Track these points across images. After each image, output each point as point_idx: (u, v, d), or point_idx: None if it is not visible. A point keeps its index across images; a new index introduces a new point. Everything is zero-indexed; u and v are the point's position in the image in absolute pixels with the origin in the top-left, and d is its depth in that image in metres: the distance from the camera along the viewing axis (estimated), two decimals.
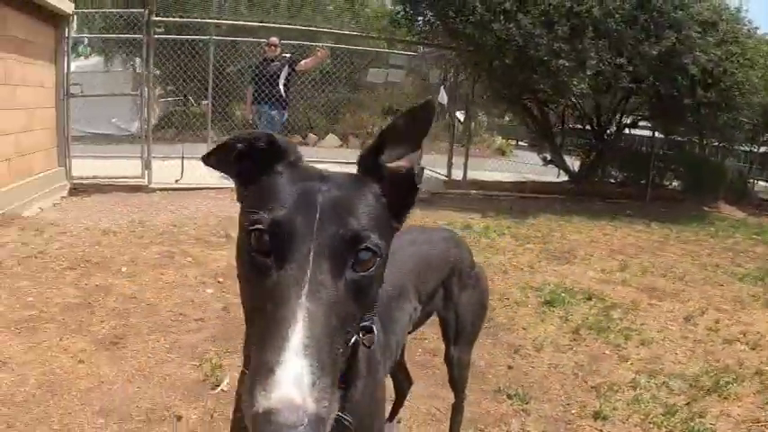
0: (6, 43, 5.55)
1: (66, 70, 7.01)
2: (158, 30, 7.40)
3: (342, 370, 0.81)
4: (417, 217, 6.26)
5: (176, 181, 7.77)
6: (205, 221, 5.95)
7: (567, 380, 3.00)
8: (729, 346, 3.55)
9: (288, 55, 7.74)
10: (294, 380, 0.63)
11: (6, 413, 2.32)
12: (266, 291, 0.75)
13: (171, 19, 8.29)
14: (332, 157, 8.24)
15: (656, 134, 8.93)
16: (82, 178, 7.46)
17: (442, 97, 9.26)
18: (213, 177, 7.38)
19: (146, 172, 7.60)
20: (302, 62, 7.76)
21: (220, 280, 4.14)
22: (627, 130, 9.15)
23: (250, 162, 0.88)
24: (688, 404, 2.77)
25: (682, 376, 3.06)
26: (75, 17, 7.41)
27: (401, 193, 0.90)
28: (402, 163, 0.90)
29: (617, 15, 6.04)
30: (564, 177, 8.93)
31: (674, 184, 9.62)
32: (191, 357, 2.94)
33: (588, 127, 8.64)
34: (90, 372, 2.73)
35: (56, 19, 6.66)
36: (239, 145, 0.88)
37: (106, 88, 12.37)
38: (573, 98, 7.66)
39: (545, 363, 3.17)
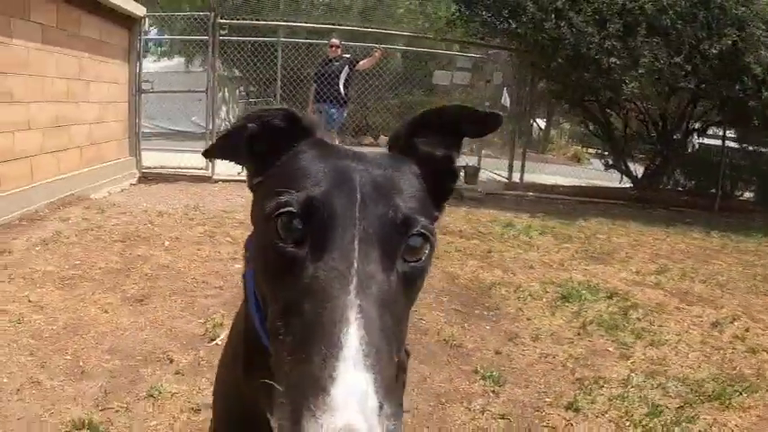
0: (81, 43, 6.14)
1: (138, 68, 7.62)
2: (223, 32, 7.87)
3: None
4: (460, 214, 6.31)
5: (238, 173, 8.19)
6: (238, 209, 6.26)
7: (554, 370, 2.94)
8: (753, 355, 3.31)
9: (348, 55, 7.99)
10: (358, 402, 0.50)
11: (33, 344, 2.74)
12: (301, 288, 0.61)
13: (235, 21, 8.76)
14: None
15: (728, 141, 8.40)
16: (150, 168, 8.05)
17: (505, 99, 9.21)
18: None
19: (209, 164, 8.07)
20: (360, 62, 7.99)
21: None
22: (696, 137, 8.67)
23: (265, 145, 0.77)
24: (680, 408, 2.62)
25: (684, 380, 2.90)
26: (148, 20, 7.98)
27: (438, 179, 0.79)
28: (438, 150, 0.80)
29: (671, 12, 5.77)
30: (627, 183, 8.59)
31: (747, 194, 8.99)
32: (199, 316, 3.23)
33: (654, 132, 8.27)
34: (110, 320, 3.09)
35: (128, 21, 7.27)
36: (251, 125, 0.76)
37: (185, 87, 13.28)
38: (635, 101, 7.39)
39: (537, 352, 3.12)
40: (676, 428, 2.45)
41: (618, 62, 5.86)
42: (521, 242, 5.44)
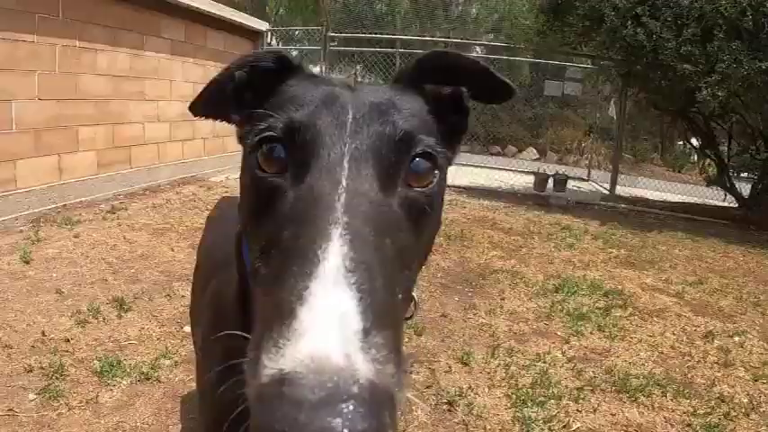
0: (206, 53, 7.47)
1: None
2: (333, 44, 8.84)
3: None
4: (523, 216, 6.46)
5: None
6: None
7: (480, 336, 3.21)
8: (722, 368, 3.07)
9: None
10: (331, 324, 0.38)
11: (114, 261, 3.97)
12: (281, 217, 0.54)
13: (343, 34, 9.70)
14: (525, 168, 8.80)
15: None
16: None
17: (611, 111, 9.03)
18: None
19: None
20: None
21: None
22: None
23: (253, 94, 0.70)
24: (579, 389, 2.68)
25: (612, 371, 2.90)
26: (270, 33, 9.19)
27: (448, 118, 0.72)
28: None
29: (749, 14, 5.31)
30: (733, 202, 7.85)
31: None
32: None
33: (764, 147, 7.48)
34: (173, 257, 4.15)
35: (253, 35, 8.52)
36: (238, 72, 0.70)
37: None
38: (739, 112, 6.83)
39: (479, 321, 3.39)
40: (551, 401, 2.56)
41: (692, 68, 5.57)
42: (563, 243, 5.47)
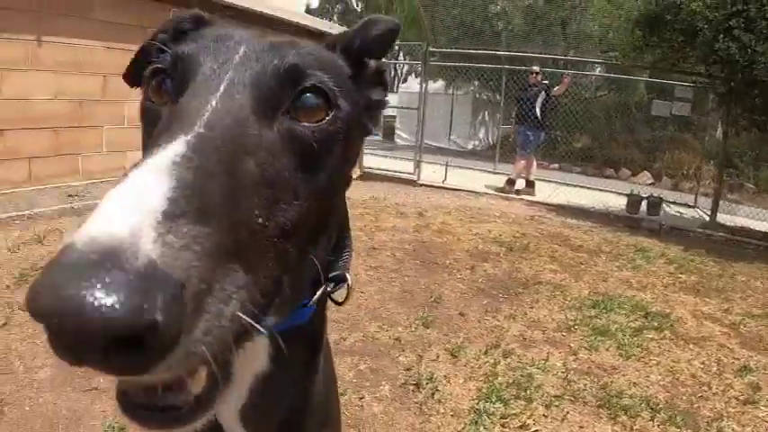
0: None
1: None
2: (433, 58, 9.14)
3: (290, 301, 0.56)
4: (602, 236, 6.30)
5: (442, 181, 9.33)
6: (420, 205, 7.33)
7: (485, 337, 3.34)
8: (719, 394, 2.91)
9: (546, 82, 8.45)
10: (130, 201, 0.36)
11: None
12: (148, 135, 0.55)
13: (443, 50, 9.95)
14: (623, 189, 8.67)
15: None
16: (370, 168, 9.78)
17: (719, 131, 8.47)
18: (474, 183, 8.78)
19: (416, 170, 9.41)
20: (555, 89, 8.40)
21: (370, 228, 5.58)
22: None
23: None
24: (558, 398, 2.72)
25: (612, 388, 2.87)
26: None
27: (368, 90, 0.73)
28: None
29: None
30: None
31: None
32: None
33: None
34: None
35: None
36: (162, 34, 0.68)
37: (447, 109, 15.04)
38: None
39: (495, 325, 3.54)
40: (519, 401, 2.64)
41: None
42: (629, 264, 5.26)
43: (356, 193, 7.89)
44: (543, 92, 8.11)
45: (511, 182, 8.64)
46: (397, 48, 11.98)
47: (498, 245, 5.53)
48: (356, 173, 9.61)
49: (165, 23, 0.71)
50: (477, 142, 16.44)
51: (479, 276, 4.50)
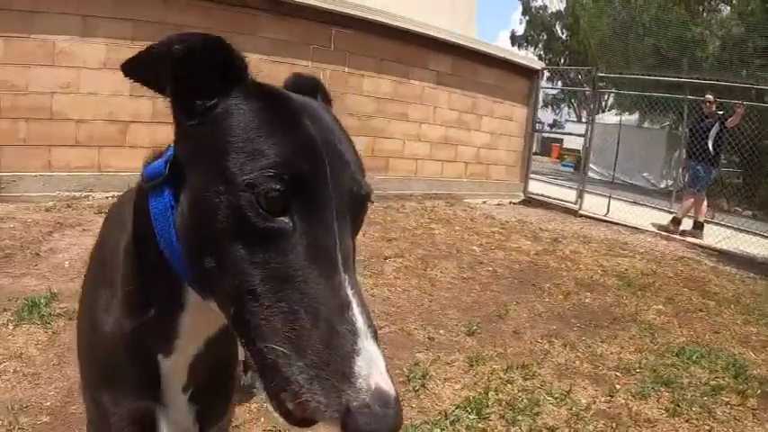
0: (475, 86, 8.30)
1: (534, 112, 9.27)
2: (601, 84, 8.59)
3: None
4: (763, 289, 5.39)
5: (604, 214, 8.75)
6: (563, 232, 7.01)
7: (522, 356, 3.19)
8: None
9: (721, 112, 7.44)
10: (376, 366, 0.59)
11: None
12: (292, 263, 0.63)
13: (614, 75, 9.17)
14: None
15: None
16: (534, 194, 9.56)
17: None
18: (640, 219, 8.13)
19: (579, 200, 8.97)
20: (729, 120, 7.33)
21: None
22: None
23: (189, 75, 0.69)
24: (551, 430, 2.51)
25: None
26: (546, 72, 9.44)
27: None
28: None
29: None
30: None
31: None
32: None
33: None
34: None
35: (528, 72, 8.97)
36: (177, 46, 0.67)
37: (640, 144, 13.91)
38: None
39: (545, 349, 3.34)
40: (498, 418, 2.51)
41: None
42: (762, 320, 4.43)
43: (503, 215, 7.84)
44: (717, 123, 7.16)
45: (676, 221, 7.72)
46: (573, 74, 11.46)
47: (618, 278, 5.07)
48: (519, 197, 9.49)
49: (180, 36, 0.69)
50: (671, 181, 14.81)
51: (570, 304, 4.22)
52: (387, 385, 0.58)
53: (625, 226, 8.09)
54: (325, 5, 6.59)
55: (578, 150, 17.21)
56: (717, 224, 8.62)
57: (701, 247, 7.19)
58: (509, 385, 2.82)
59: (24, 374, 2.44)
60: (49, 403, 2.25)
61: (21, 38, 5.22)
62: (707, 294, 4.98)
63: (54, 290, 3.29)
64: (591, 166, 15.44)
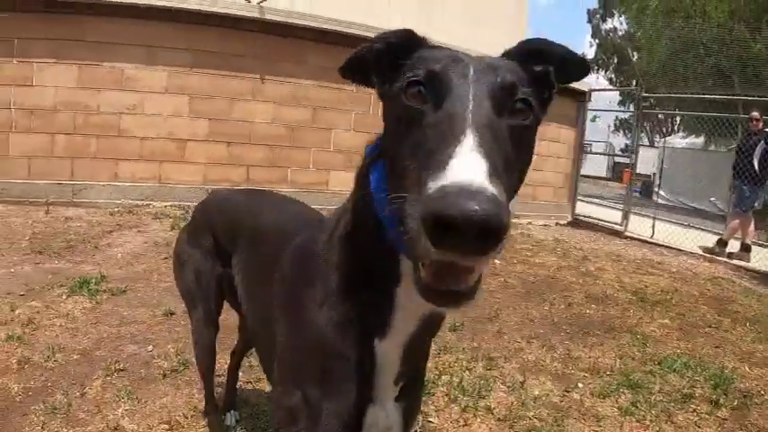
0: None
1: (582, 133, 9.24)
2: (644, 104, 8.45)
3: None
4: None
5: (650, 236, 8.56)
6: (598, 252, 7.02)
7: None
8: None
9: (767, 130, 7.17)
10: (470, 166, 0.60)
11: None
12: (425, 130, 0.73)
13: (657, 94, 8.95)
14: None
15: None
16: (580, 215, 9.50)
17: None
18: (687, 242, 7.95)
19: (624, 221, 8.83)
20: None
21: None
22: None
23: (389, 62, 0.88)
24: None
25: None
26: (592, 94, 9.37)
27: (541, 86, 0.91)
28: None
29: None
30: None
31: None
32: None
33: None
34: None
35: (575, 94, 9.00)
36: (377, 44, 0.89)
37: (703, 167, 13.35)
38: None
39: (528, 359, 3.51)
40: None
41: None
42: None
43: (543, 234, 7.91)
44: (763, 141, 6.91)
45: (722, 243, 7.44)
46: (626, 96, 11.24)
47: (632, 294, 5.08)
48: (566, 218, 9.47)
49: (379, 36, 0.89)
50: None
51: (570, 314, 4.32)
52: (475, 180, 0.58)
53: (669, 248, 7.90)
54: (368, 34, 7.01)
55: (649, 175, 16.68)
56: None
57: (745, 269, 6.91)
58: (467, 372, 3.02)
59: (67, 328, 3.05)
60: (81, 347, 2.83)
61: (93, 65, 6.08)
62: (724, 312, 4.88)
63: (104, 273, 3.92)
64: (657, 190, 14.96)
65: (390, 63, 0.87)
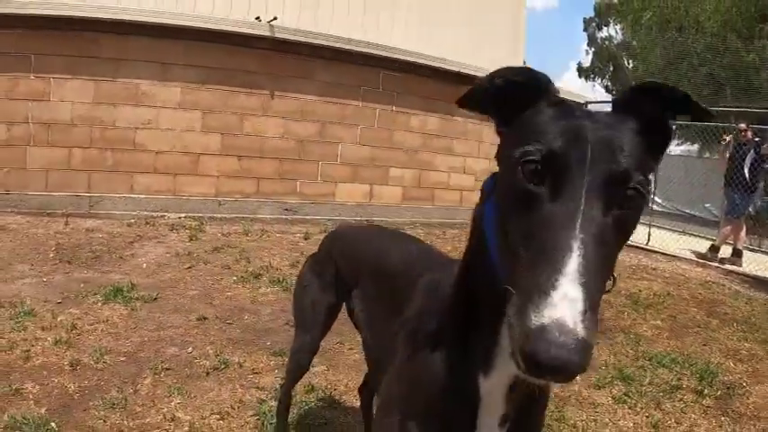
0: None
1: None
2: None
3: None
4: None
5: (645, 243, 8.84)
6: None
7: None
8: None
9: (758, 139, 7.50)
10: (568, 303, 0.65)
11: None
12: (538, 219, 0.75)
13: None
14: None
15: None
16: None
17: None
18: (677, 247, 8.23)
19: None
20: (764, 146, 7.37)
21: None
22: None
23: (507, 99, 0.88)
24: None
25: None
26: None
27: (655, 136, 0.87)
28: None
29: None
30: None
31: None
32: None
33: None
34: None
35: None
36: (497, 80, 0.88)
37: (698, 174, 13.69)
38: None
39: None
40: None
41: None
42: (760, 336, 4.56)
43: None
44: (752, 151, 7.24)
45: (714, 248, 7.76)
46: None
47: (625, 298, 5.36)
48: None
49: (499, 72, 0.88)
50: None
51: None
52: (570, 319, 0.63)
53: (664, 254, 8.21)
54: (373, 51, 7.39)
55: None
56: (764, 252, 8.51)
57: (736, 273, 7.23)
58: None
59: (109, 333, 3.33)
60: (125, 350, 3.11)
61: (109, 81, 6.37)
62: (713, 314, 5.18)
63: (134, 282, 4.19)
64: (653, 197, 15.29)
65: (511, 100, 0.88)
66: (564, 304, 0.64)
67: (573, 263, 0.68)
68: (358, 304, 1.64)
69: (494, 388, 0.99)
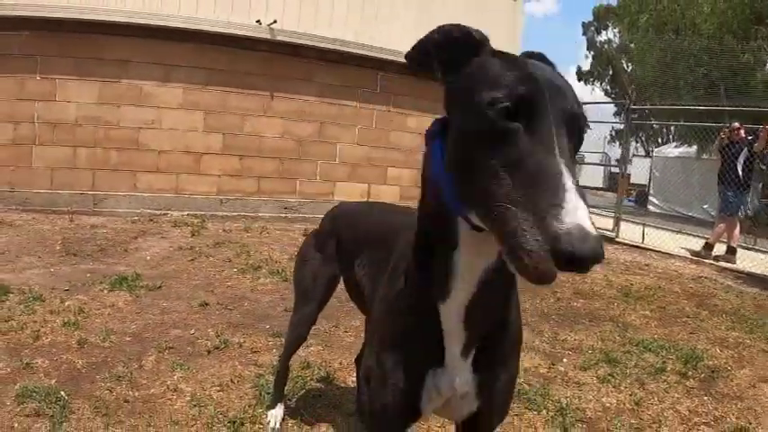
0: None
1: None
2: (633, 116, 8.93)
3: None
4: None
5: (641, 242, 8.99)
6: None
7: None
8: None
9: (750, 137, 7.64)
10: (581, 212, 0.73)
11: None
12: (522, 149, 0.82)
13: (644, 106, 9.40)
14: None
15: None
16: None
17: None
18: (671, 245, 8.36)
19: (615, 228, 9.26)
20: (755, 144, 7.50)
21: None
22: None
23: (448, 54, 0.97)
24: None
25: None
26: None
27: None
28: None
29: None
30: None
31: None
32: None
33: None
34: None
35: None
36: (435, 35, 0.98)
37: (695, 175, 13.81)
38: None
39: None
40: None
41: None
42: (748, 327, 4.57)
43: None
44: (745, 149, 7.38)
45: (708, 246, 7.87)
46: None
47: (617, 291, 5.49)
48: None
49: (438, 29, 0.99)
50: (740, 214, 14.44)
51: (559, 306, 4.70)
52: (587, 225, 0.72)
53: (659, 252, 8.33)
54: (370, 54, 7.56)
55: (644, 185, 17.12)
56: (758, 250, 8.63)
57: (730, 270, 7.34)
58: None
59: (115, 316, 3.49)
60: (130, 331, 3.27)
61: (113, 82, 6.55)
62: (703, 306, 5.29)
63: (138, 272, 4.34)
64: (651, 198, 15.41)
65: (450, 54, 0.97)
66: (578, 212, 0.72)
67: (568, 181, 0.76)
68: (361, 270, 1.72)
69: (451, 313, 1.07)
